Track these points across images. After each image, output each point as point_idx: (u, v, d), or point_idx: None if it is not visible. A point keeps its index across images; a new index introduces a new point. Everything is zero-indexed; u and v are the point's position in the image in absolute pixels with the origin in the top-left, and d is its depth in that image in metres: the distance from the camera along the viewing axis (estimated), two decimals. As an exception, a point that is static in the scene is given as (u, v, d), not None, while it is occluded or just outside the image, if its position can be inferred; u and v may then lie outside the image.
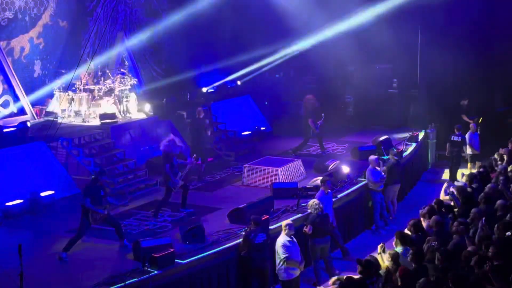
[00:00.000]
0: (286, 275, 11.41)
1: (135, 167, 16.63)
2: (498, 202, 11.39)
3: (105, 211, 11.84)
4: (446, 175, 19.64)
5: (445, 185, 13.97)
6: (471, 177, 13.81)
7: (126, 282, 10.32)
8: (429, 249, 9.85)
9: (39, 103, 18.38)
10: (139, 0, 21.70)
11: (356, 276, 9.27)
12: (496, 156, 15.79)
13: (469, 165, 18.60)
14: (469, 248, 9.67)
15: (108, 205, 12.10)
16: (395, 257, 9.62)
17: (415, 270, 9.26)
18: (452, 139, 18.28)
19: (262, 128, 21.44)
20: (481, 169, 14.74)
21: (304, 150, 19.32)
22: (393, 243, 10.49)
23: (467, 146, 18.57)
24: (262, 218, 12.56)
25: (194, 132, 17.36)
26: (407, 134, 20.18)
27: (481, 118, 19.35)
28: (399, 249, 10.12)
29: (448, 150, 18.37)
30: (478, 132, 18.81)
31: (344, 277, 9.14)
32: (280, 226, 12.11)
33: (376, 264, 9.52)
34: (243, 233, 11.97)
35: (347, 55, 21.22)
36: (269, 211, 13.58)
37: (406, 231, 11.14)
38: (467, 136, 18.55)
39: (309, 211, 12.67)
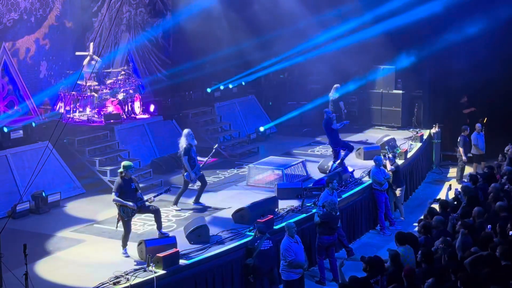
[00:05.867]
0: (289, 275, 11.43)
1: (140, 167, 16.64)
2: (498, 203, 11.35)
3: (135, 204, 11.80)
4: (451, 175, 19.66)
5: (446, 185, 13.98)
6: (475, 177, 13.78)
7: (131, 282, 10.34)
8: (437, 251, 9.84)
9: (45, 104, 18.43)
10: (144, 1, 21.74)
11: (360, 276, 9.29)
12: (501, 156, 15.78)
13: (474, 165, 18.55)
14: (472, 249, 9.66)
15: (140, 197, 11.97)
16: (394, 257, 9.62)
17: (425, 270, 9.24)
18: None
19: (267, 129, 21.43)
20: (485, 169, 14.71)
21: (308, 151, 19.42)
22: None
23: (472, 147, 18.53)
24: (266, 219, 12.61)
25: None
26: (411, 134, 20.21)
27: (485, 118, 19.30)
28: (400, 249, 10.13)
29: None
30: (483, 132, 18.75)
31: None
32: (283, 226, 12.13)
33: (380, 262, 9.52)
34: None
35: (349, 56, 21.22)
36: (274, 211, 13.59)
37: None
38: (472, 136, 18.52)
39: (322, 208, 12.66)
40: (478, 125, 18.64)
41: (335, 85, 19.97)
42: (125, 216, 11.81)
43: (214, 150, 14.93)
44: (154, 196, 12.31)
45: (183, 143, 14.15)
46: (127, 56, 20.96)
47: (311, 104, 21.40)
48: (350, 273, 10.01)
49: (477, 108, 20.80)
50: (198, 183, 14.46)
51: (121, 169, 11.99)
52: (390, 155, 16.19)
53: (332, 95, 19.80)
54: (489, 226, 10.57)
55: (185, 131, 14.41)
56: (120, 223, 11.92)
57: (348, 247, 13.95)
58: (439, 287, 8.53)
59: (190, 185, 14.41)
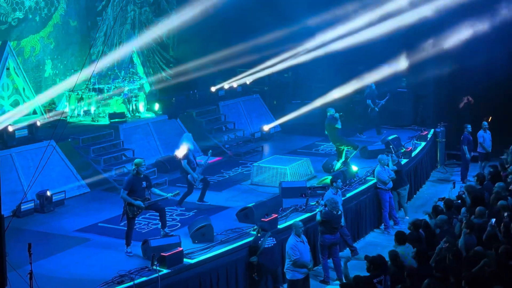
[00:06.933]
0: (294, 275, 11.42)
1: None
2: (500, 202, 11.33)
3: (143, 203, 11.83)
4: (455, 173, 19.64)
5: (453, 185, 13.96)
6: (482, 176, 13.75)
7: (135, 281, 10.36)
8: (441, 250, 9.83)
9: (50, 103, 18.47)
10: (148, 0, 21.77)
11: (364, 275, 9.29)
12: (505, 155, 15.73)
13: (480, 163, 18.50)
14: (476, 248, 9.65)
15: (148, 197, 12.02)
16: (393, 258, 9.60)
17: (419, 269, 9.24)
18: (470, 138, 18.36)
19: (271, 127, 21.45)
20: (491, 169, 14.66)
21: (313, 150, 19.45)
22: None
23: (478, 145, 18.49)
24: (270, 218, 12.60)
25: None
26: (416, 133, 20.19)
27: (490, 117, 19.24)
28: (400, 249, 10.12)
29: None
30: (489, 131, 18.69)
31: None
32: (288, 225, 12.13)
33: (384, 262, 9.52)
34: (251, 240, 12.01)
35: (355, 54, 21.22)
36: (278, 210, 13.60)
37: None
38: (478, 134, 18.47)
39: (324, 207, 12.63)
40: (484, 123, 18.58)
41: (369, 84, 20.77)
42: (130, 214, 11.85)
43: (209, 154, 14.89)
44: (162, 199, 12.36)
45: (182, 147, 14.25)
46: (132, 55, 20.99)
47: (315, 103, 21.42)
48: (355, 272, 10.02)
49: (482, 107, 20.76)
50: (200, 184, 14.50)
51: (133, 167, 12.03)
52: (393, 155, 16.17)
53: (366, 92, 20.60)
54: (492, 220, 10.52)
55: (184, 135, 14.52)
56: (125, 219, 11.95)
57: (353, 247, 13.93)
58: (439, 285, 8.53)
59: (194, 186, 14.44)
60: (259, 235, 11.86)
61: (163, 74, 22.33)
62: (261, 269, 11.75)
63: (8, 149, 14.79)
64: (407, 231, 11.16)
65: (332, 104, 19.42)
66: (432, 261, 9.68)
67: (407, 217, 15.93)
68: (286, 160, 16.97)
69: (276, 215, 12.97)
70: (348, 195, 14.73)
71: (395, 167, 15.57)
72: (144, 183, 11.98)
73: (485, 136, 18.40)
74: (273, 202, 13.87)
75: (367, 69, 22.11)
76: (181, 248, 11.26)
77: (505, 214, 10.76)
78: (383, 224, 15.55)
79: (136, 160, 12.22)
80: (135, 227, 12.29)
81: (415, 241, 10.44)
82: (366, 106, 20.73)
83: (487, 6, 19.55)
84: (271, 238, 11.80)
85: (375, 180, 15.52)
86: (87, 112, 18.05)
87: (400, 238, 10.40)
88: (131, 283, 10.34)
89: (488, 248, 9.58)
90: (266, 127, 21.22)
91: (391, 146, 17.75)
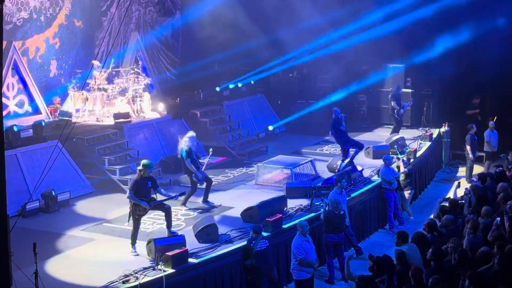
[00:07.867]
0: (300, 275, 11.39)
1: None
2: (509, 203, 11.28)
3: (148, 204, 11.85)
4: (460, 174, 19.60)
5: (455, 184, 13.93)
6: (484, 176, 13.72)
7: (140, 281, 10.37)
8: (447, 250, 9.80)
9: (55, 103, 18.50)
10: (153, 0, 21.80)
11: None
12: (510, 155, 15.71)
13: (487, 162, 18.48)
14: (482, 248, 9.62)
15: (153, 197, 12.05)
16: (399, 256, 9.58)
17: (434, 269, 9.20)
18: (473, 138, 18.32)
19: (276, 127, 21.44)
20: (496, 168, 14.64)
21: (317, 150, 19.44)
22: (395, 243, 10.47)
23: (485, 144, 18.46)
24: (275, 218, 12.60)
25: None
26: (421, 133, 20.16)
27: (495, 117, 19.21)
28: (404, 247, 10.09)
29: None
30: (496, 130, 18.65)
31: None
32: (293, 225, 12.11)
33: (387, 262, 9.49)
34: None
35: (360, 54, 21.20)
36: (282, 210, 13.59)
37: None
38: (485, 134, 18.45)
39: (326, 207, 12.62)
40: (491, 123, 18.55)
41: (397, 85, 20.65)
42: (136, 214, 11.86)
43: (210, 152, 14.91)
44: (168, 199, 12.36)
45: (183, 145, 14.22)
46: (136, 55, 21.01)
47: (320, 102, 21.42)
48: (359, 272, 10.02)
49: (488, 106, 20.74)
50: (204, 183, 14.50)
51: (140, 167, 12.04)
52: (405, 158, 16.16)
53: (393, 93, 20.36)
54: (497, 218, 10.50)
55: (188, 134, 14.49)
56: (131, 219, 11.97)
57: (357, 246, 13.92)
58: (444, 286, 8.50)
59: (198, 185, 14.44)
60: (252, 237, 11.77)
61: (168, 74, 22.35)
62: (256, 272, 11.64)
63: (13, 149, 14.79)
64: (410, 232, 11.13)
65: (337, 103, 19.44)
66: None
67: (412, 217, 15.92)
68: (290, 160, 16.96)
69: (281, 215, 12.97)
70: (353, 195, 14.72)
71: (406, 170, 15.57)
72: (149, 183, 11.99)
73: (491, 136, 18.39)
74: (277, 202, 13.86)
75: (372, 68, 22.13)
76: (186, 248, 11.27)
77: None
78: (388, 224, 15.54)
79: (145, 161, 12.20)
80: (140, 226, 12.30)
81: (426, 242, 10.38)
82: (392, 106, 20.22)
83: (492, 6, 19.53)
84: (264, 240, 11.65)
85: (380, 180, 15.51)
86: (91, 112, 18.07)
87: (404, 237, 10.34)
88: (136, 282, 10.36)
89: (492, 248, 9.56)
90: (270, 127, 21.22)
91: (395, 146, 17.75)
